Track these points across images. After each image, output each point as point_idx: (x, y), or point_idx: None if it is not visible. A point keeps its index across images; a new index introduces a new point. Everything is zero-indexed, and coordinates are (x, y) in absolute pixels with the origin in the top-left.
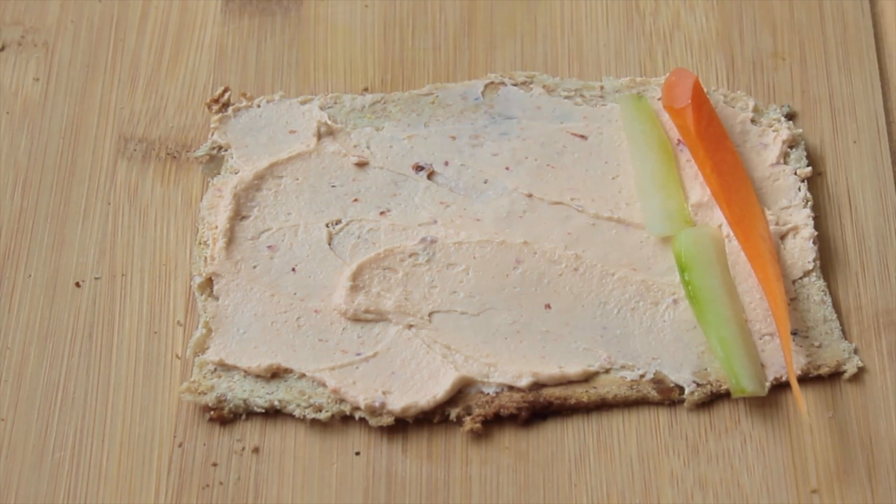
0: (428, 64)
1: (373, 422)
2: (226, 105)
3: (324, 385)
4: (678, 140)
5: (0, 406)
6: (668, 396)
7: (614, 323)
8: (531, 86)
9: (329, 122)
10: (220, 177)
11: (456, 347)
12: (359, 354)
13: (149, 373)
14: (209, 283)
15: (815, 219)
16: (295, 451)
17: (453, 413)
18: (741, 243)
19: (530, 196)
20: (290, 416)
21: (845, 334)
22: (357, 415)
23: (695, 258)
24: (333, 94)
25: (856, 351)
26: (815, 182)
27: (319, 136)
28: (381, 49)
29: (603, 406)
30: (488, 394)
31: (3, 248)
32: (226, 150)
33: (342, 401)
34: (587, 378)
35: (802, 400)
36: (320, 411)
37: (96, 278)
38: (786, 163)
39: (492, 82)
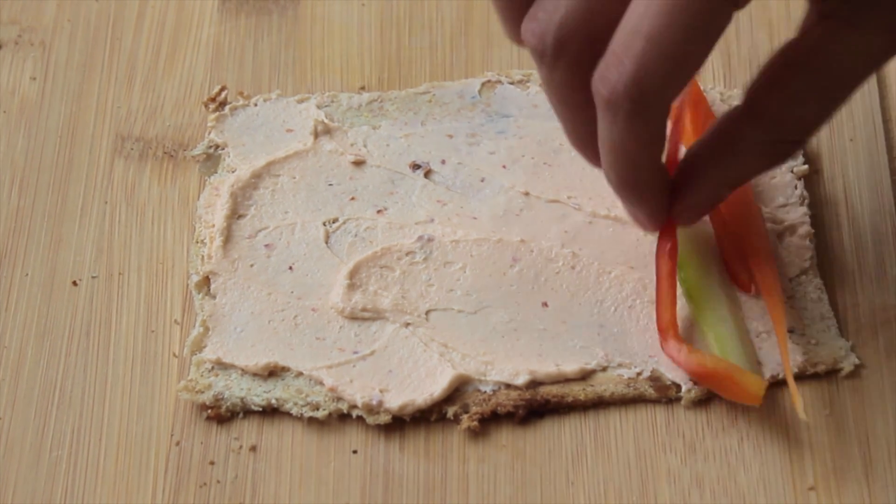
0: (425, 62)
1: (370, 420)
2: (223, 104)
3: (321, 383)
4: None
5: None
6: (665, 394)
7: (611, 321)
8: (528, 84)
9: (326, 121)
10: (217, 175)
11: (453, 345)
12: (356, 353)
13: (146, 371)
14: (206, 281)
15: (812, 217)
16: (292, 449)
17: (450, 411)
18: (738, 242)
19: (527, 194)
20: (288, 414)
21: (842, 332)
22: (354, 413)
23: (691, 256)
24: (330, 93)
25: (853, 348)
26: (811, 180)
27: (316, 135)
28: (377, 48)
29: (600, 404)
30: (485, 392)
31: (0, 247)
32: (223, 149)
33: (339, 399)
34: (584, 376)
35: (799, 398)
36: (317, 409)
37: (93, 277)
38: None
39: (488, 81)
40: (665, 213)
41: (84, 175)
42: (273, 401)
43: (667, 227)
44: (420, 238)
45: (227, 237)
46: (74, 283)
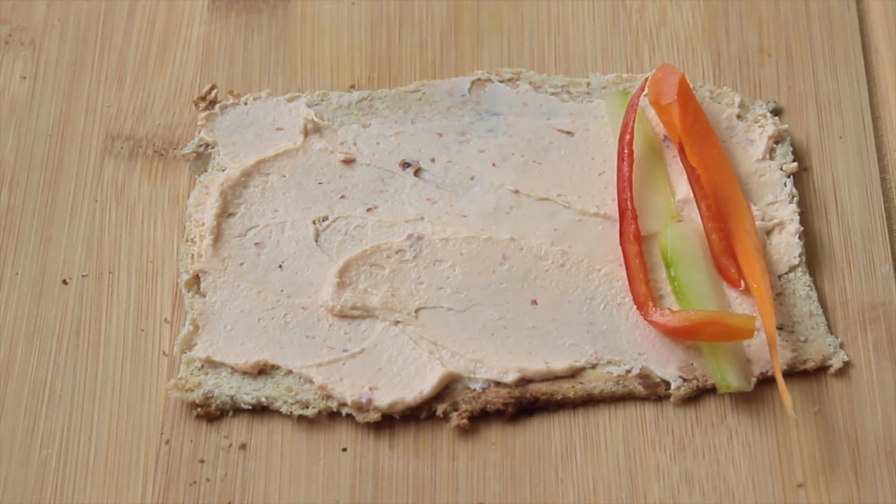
0: (415, 61)
1: (360, 418)
2: (213, 102)
3: (311, 381)
4: (664, 136)
5: None
6: (654, 392)
7: (601, 318)
8: (518, 82)
9: (316, 120)
10: (207, 174)
11: (442, 343)
12: (346, 351)
13: (136, 370)
14: (196, 280)
15: (801, 214)
16: (282, 447)
17: (440, 409)
18: (727, 239)
19: (517, 192)
20: (277, 412)
21: (831, 329)
22: (344, 411)
23: (680, 253)
24: (320, 92)
25: (841, 345)
26: (800, 177)
27: (306, 134)
28: (367, 46)
29: (589, 401)
30: (475, 390)
31: None
32: (213, 148)
33: (329, 397)
34: (573, 374)
35: (788, 395)
36: (307, 408)
37: (83, 276)
38: (772, 158)
39: (478, 79)
40: None
41: (74, 174)
42: (263, 399)
43: (627, 213)
44: (410, 236)
45: (217, 236)
46: (64, 282)
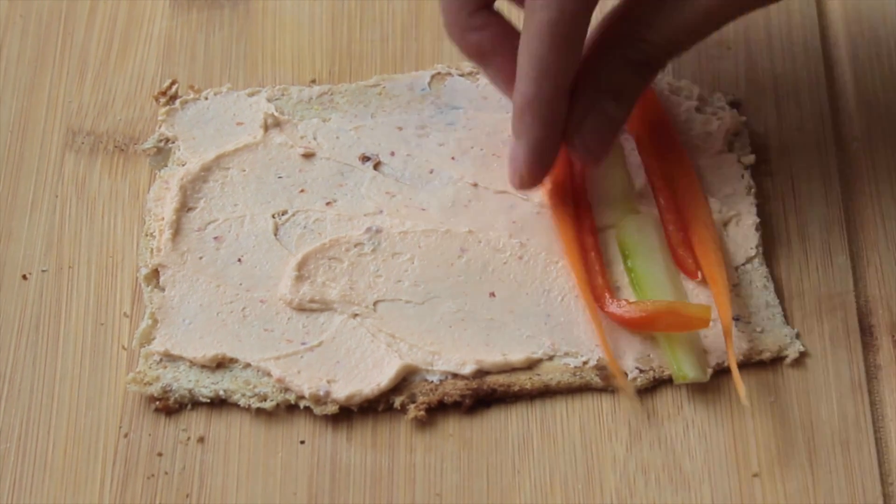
0: (375, 55)
1: (317, 410)
2: (173, 98)
3: (269, 374)
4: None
5: None
6: (611, 383)
7: (558, 310)
8: (477, 76)
9: (276, 114)
10: (168, 169)
11: (400, 336)
12: (304, 344)
13: (95, 364)
14: (155, 274)
15: (759, 206)
16: (240, 440)
17: (397, 401)
18: (684, 231)
19: (475, 185)
20: (236, 405)
21: (787, 319)
22: (302, 404)
23: (637, 245)
24: (281, 86)
25: (798, 336)
26: (759, 169)
27: (266, 128)
28: (328, 41)
29: (546, 393)
30: (432, 382)
31: None
32: (173, 143)
33: (287, 390)
34: (531, 365)
35: (742, 385)
36: (265, 401)
37: (43, 271)
38: (730, 150)
39: (438, 73)
40: (551, 155)
41: (35, 169)
42: (221, 392)
43: (584, 211)
44: (368, 229)
45: (177, 230)
46: (24, 277)
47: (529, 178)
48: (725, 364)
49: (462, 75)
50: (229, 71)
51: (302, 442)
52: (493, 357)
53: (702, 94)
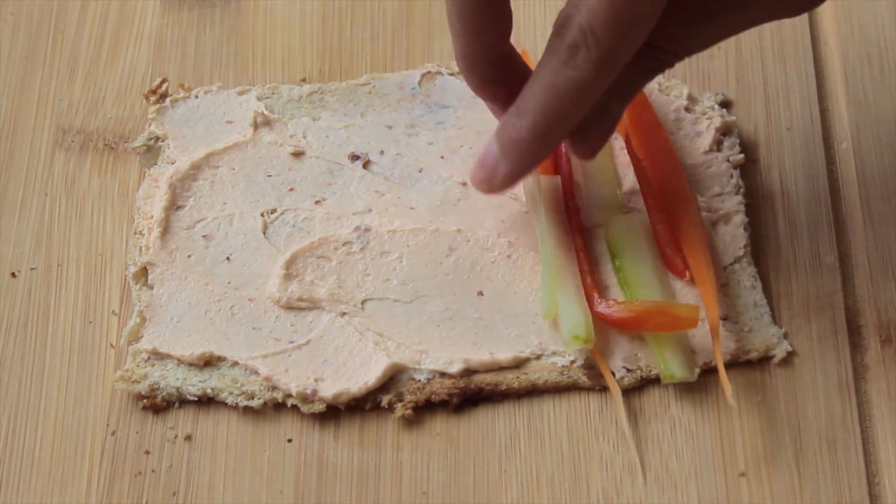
0: (366, 54)
1: (305, 409)
2: (163, 96)
3: (256, 373)
4: None
5: None
6: (598, 382)
7: None
8: None
9: (266, 113)
10: (157, 167)
11: (388, 334)
12: (291, 342)
13: (83, 362)
14: (144, 272)
15: (748, 205)
16: (227, 438)
17: (385, 400)
18: (672, 230)
19: (465, 184)
20: (223, 403)
21: (775, 319)
22: (289, 402)
23: (626, 245)
24: (271, 85)
25: (785, 336)
26: (748, 169)
27: (256, 127)
28: (319, 39)
29: (534, 392)
30: (420, 380)
31: None
32: (163, 141)
33: (274, 388)
34: (518, 364)
35: (729, 385)
36: (253, 399)
37: (32, 269)
38: (719, 150)
39: (429, 72)
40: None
41: (24, 167)
42: (208, 390)
43: (573, 212)
44: (357, 228)
45: (166, 228)
46: (13, 275)
47: (500, 189)
48: (713, 364)
49: (452, 74)
50: (220, 69)
51: (289, 440)
52: (480, 356)
53: (692, 94)
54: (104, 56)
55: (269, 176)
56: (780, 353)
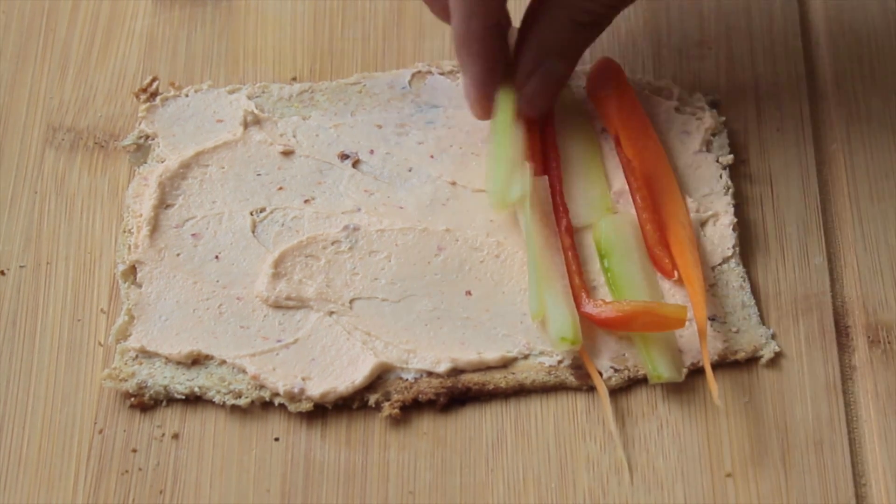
0: (357, 54)
1: (292, 408)
2: (154, 94)
3: (244, 371)
4: (602, 128)
5: None
6: (585, 382)
7: None
8: (458, 75)
9: (256, 112)
10: (147, 165)
11: (376, 334)
12: (279, 341)
13: (71, 360)
14: (133, 270)
15: (738, 206)
16: (214, 436)
17: (372, 399)
18: (661, 230)
19: (454, 184)
20: (211, 402)
21: (763, 320)
22: (277, 401)
23: (614, 245)
24: (261, 84)
25: (773, 336)
26: (738, 169)
27: (246, 125)
28: (310, 39)
29: (521, 392)
30: (407, 380)
31: None
32: (153, 139)
33: (262, 387)
34: (506, 364)
35: (715, 386)
36: (240, 397)
37: (21, 266)
38: (709, 151)
39: (419, 71)
40: (494, 84)
41: (14, 165)
42: (196, 389)
43: (562, 212)
44: (346, 227)
45: (155, 226)
46: (2, 273)
47: (478, 108)
48: (700, 364)
49: (442, 74)
50: (210, 68)
51: (276, 439)
52: (468, 355)
53: (682, 95)
54: (95, 54)
55: (259, 175)
56: (767, 353)
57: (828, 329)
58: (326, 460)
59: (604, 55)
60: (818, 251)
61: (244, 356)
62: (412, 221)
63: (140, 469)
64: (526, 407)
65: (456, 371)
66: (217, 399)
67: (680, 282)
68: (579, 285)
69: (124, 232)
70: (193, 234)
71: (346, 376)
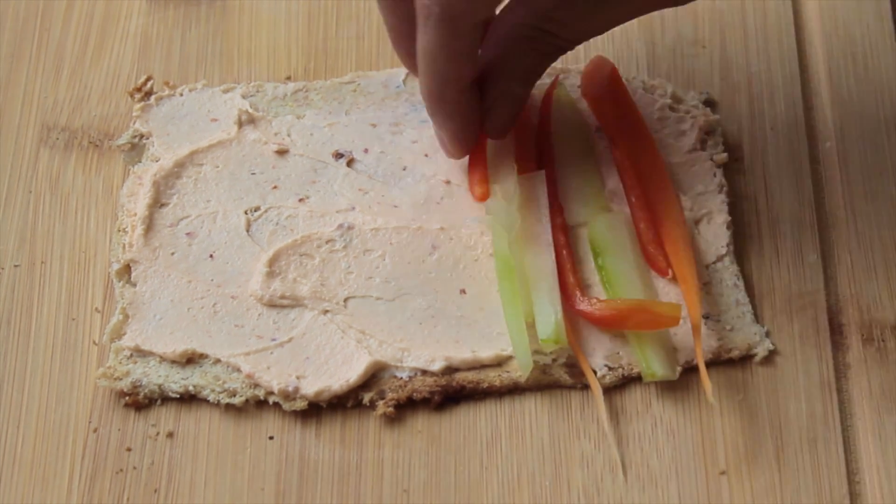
0: (351, 53)
1: (286, 406)
2: (148, 94)
3: (238, 370)
4: (596, 127)
5: None
6: (580, 380)
7: None
8: None
9: (250, 111)
10: (141, 165)
11: (370, 332)
12: (274, 340)
13: (66, 359)
14: (127, 269)
15: (732, 204)
16: (209, 435)
17: (367, 397)
18: (655, 229)
19: (448, 183)
20: (205, 401)
21: (758, 318)
22: (271, 399)
23: (608, 243)
24: (256, 83)
25: (767, 334)
26: (732, 168)
27: (240, 124)
28: (304, 38)
29: (515, 390)
30: (402, 378)
31: None
32: (147, 139)
33: (256, 386)
34: (500, 362)
35: (709, 384)
36: (234, 396)
37: (15, 266)
38: (703, 149)
39: None
40: (472, 137)
41: (9, 164)
42: (191, 388)
43: (557, 210)
44: (340, 226)
45: (149, 226)
46: None
47: (456, 155)
48: (694, 362)
49: None
50: (205, 67)
51: (271, 438)
52: (462, 354)
53: (676, 93)
54: (90, 54)
55: (253, 174)
56: (761, 351)
57: (822, 327)
58: (321, 459)
59: (598, 54)
60: (812, 249)
61: (239, 355)
62: (406, 220)
63: (135, 468)
64: (520, 405)
65: (450, 369)
66: (211, 398)
67: (674, 280)
68: (573, 283)
69: (119, 231)
70: (188, 233)
71: (341, 375)
